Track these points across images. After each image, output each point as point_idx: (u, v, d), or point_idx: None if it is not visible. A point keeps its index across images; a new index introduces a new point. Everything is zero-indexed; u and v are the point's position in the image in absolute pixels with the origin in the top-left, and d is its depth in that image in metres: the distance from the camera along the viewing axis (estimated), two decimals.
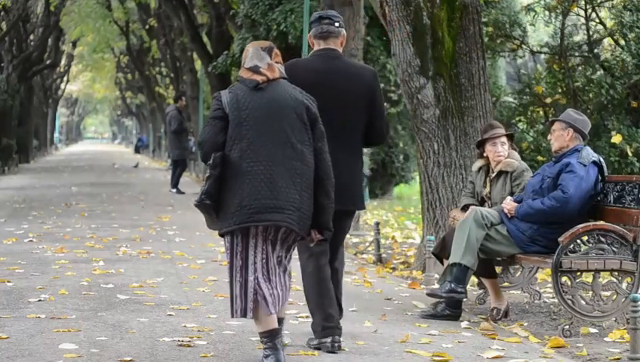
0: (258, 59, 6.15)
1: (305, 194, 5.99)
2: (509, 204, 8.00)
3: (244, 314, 5.88)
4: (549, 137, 8.14)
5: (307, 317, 7.64)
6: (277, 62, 6.19)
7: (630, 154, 11.97)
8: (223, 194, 5.93)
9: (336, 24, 6.79)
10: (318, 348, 6.50)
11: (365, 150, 17.45)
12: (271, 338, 5.91)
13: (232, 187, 5.91)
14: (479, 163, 8.71)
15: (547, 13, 12.88)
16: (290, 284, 6.15)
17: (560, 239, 7.40)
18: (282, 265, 6.06)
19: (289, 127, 6.02)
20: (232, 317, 5.94)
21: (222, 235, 6.01)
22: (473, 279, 8.72)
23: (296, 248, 6.33)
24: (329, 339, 6.46)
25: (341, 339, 6.50)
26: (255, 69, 6.11)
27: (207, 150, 6.00)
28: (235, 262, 5.94)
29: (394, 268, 11.33)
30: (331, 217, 6.14)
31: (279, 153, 5.96)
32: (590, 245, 7.44)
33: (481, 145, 8.69)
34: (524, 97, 13.20)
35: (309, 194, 6.02)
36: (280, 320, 6.05)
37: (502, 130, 8.58)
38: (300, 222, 5.95)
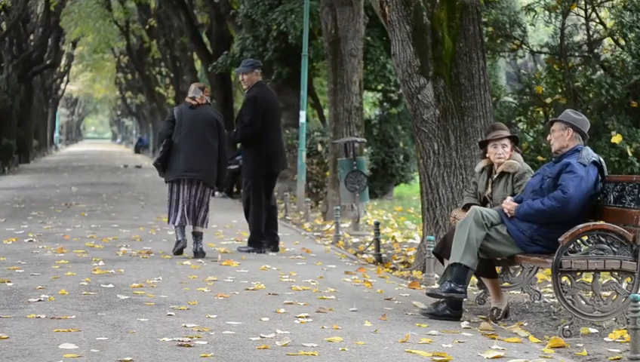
0: (195, 93, 11.82)
1: (212, 164, 11.67)
2: (508, 204, 7.98)
3: (174, 223, 11.66)
4: (548, 138, 8.13)
5: (307, 317, 7.66)
6: (206, 95, 11.86)
7: (630, 154, 11.96)
8: (169, 162, 11.69)
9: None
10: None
11: (365, 150, 17.49)
12: (182, 230, 11.65)
13: (173, 158, 11.66)
14: (482, 163, 8.72)
15: (547, 13, 12.87)
16: (207, 215, 11.79)
17: (560, 239, 7.39)
18: (202, 202, 11.72)
19: (205, 129, 11.69)
20: (168, 223, 11.89)
21: (167, 182, 11.72)
22: (473, 279, 8.71)
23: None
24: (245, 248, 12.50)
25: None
26: (192, 98, 11.79)
27: (162, 138, 11.86)
28: (172, 197, 11.67)
29: (394, 268, 11.32)
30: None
31: (198, 142, 11.62)
32: (590, 245, 7.43)
33: (483, 146, 8.70)
34: (524, 97, 13.19)
35: (214, 164, 11.68)
36: (198, 234, 11.75)
37: (504, 132, 8.57)
38: (207, 178, 11.67)
